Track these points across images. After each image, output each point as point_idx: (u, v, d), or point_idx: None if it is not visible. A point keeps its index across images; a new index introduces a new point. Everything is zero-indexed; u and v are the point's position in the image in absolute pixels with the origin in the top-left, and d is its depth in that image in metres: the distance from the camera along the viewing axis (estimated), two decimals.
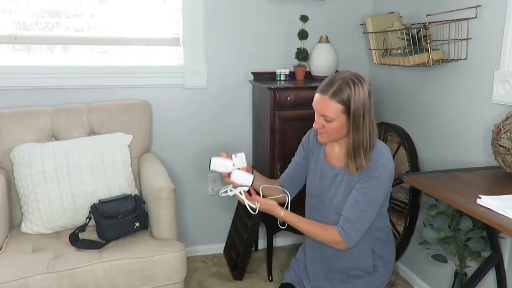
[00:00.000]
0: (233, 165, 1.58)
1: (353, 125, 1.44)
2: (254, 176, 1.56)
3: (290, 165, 1.77)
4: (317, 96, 1.47)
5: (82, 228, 1.93)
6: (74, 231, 1.90)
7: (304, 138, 1.74)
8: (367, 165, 1.46)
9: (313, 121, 1.51)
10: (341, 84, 1.42)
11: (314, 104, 1.49)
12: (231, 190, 1.58)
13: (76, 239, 1.86)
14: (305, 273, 1.70)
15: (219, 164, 1.59)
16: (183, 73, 2.46)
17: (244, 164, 1.60)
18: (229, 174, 1.58)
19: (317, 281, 1.65)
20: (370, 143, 1.47)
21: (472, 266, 1.89)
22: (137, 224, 1.93)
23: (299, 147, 1.75)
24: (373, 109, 1.51)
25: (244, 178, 1.57)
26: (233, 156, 1.59)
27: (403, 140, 2.36)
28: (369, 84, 1.51)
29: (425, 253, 2.24)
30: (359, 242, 1.52)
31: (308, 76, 2.54)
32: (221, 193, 1.60)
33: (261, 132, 2.44)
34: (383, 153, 1.48)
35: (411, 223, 2.32)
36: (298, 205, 1.70)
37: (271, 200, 1.56)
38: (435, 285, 2.27)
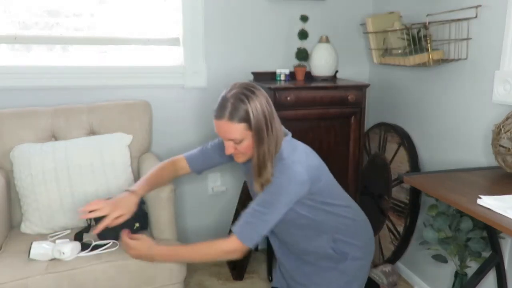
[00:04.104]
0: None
1: (256, 139, 1.37)
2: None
3: (207, 151, 1.67)
4: (216, 122, 1.39)
5: (87, 229, 1.94)
6: (80, 230, 1.91)
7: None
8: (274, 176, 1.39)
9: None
10: (234, 102, 1.34)
11: (216, 131, 1.41)
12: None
13: (81, 239, 1.87)
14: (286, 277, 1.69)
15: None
16: (183, 73, 2.46)
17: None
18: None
19: (296, 284, 1.64)
20: (276, 149, 1.40)
21: (472, 266, 1.89)
22: (137, 224, 1.93)
23: (217, 142, 1.65)
24: (275, 114, 1.42)
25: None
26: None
27: (403, 140, 2.36)
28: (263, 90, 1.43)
29: (425, 253, 2.24)
30: (314, 236, 1.50)
31: (308, 76, 2.53)
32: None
33: None
34: (283, 158, 1.40)
35: (411, 223, 2.32)
36: None
37: (132, 242, 1.38)
38: (435, 285, 2.27)
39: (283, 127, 1.49)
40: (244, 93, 1.36)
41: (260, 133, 1.36)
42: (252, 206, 1.40)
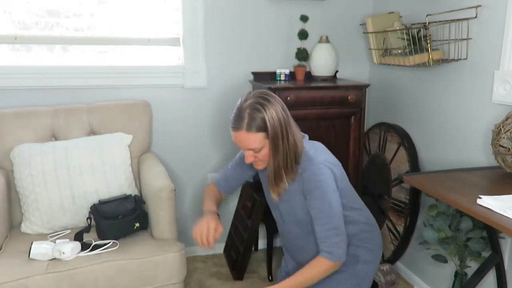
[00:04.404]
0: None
1: (272, 148, 1.38)
2: None
3: (228, 172, 1.69)
4: (234, 134, 1.39)
5: (87, 229, 1.94)
6: (80, 230, 1.91)
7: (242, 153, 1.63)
8: (304, 177, 1.41)
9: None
10: (250, 112, 1.34)
11: (235, 141, 1.41)
12: None
13: (81, 239, 1.87)
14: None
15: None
16: (183, 73, 2.46)
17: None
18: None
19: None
20: (295, 155, 1.41)
21: (472, 266, 1.89)
22: (137, 224, 1.93)
23: (234, 163, 1.67)
24: (292, 120, 1.44)
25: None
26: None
27: (403, 140, 2.36)
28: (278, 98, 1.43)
29: (425, 253, 2.24)
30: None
31: (308, 76, 2.54)
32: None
33: None
34: (312, 159, 1.42)
35: (411, 223, 2.32)
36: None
37: None
38: (435, 285, 2.27)
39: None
40: (259, 102, 1.36)
41: (276, 141, 1.37)
42: (317, 223, 1.43)
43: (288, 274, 1.68)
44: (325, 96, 2.26)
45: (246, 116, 1.35)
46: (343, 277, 1.56)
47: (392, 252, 2.43)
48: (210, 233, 1.48)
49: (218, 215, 1.58)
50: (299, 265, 1.60)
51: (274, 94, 1.42)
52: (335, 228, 1.43)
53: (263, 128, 1.35)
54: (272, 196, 1.50)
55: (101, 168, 2.04)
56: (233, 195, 2.68)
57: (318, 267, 1.44)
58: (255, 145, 1.38)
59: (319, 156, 1.44)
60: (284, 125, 1.38)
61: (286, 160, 1.41)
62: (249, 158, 1.43)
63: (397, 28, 2.17)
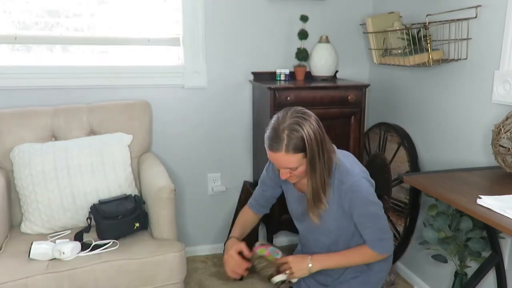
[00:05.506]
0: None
1: (310, 167, 1.39)
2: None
3: (259, 193, 1.70)
4: (271, 154, 1.39)
5: (87, 229, 1.94)
6: (80, 230, 1.91)
7: (267, 172, 1.66)
8: (343, 189, 1.44)
9: None
10: (288, 134, 1.34)
11: (271, 160, 1.42)
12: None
13: (81, 239, 1.87)
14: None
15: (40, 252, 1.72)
16: (183, 73, 2.46)
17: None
18: None
19: (314, 286, 1.64)
20: (329, 172, 1.44)
21: (472, 266, 1.89)
22: (137, 224, 1.93)
23: (265, 177, 1.67)
24: (325, 135, 1.44)
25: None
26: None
27: (403, 140, 2.36)
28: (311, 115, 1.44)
29: (425, 253, 2.24)
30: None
31: (308, 76, 2.54)
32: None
33: (261, 132, 2.44)
34: (349, 172, 1.45)
35: (411, 223, 2.32)
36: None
37: (293, 258, 1.51)
38: (435, 285, 2.27)
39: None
40: (297, 122, 1.36)
41: (313, 160, 1.38)
42: (362, 227, 1.49)
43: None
44: (325, 96, 2.26)
45: (284, 137, 1.34)
46: (357, 282, 1.58)
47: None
48: (236, 264, 1.53)
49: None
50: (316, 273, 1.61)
51: (309, 111, 1.42)
52: (381, 229, 1.49)
53: (301, 148, 1.36)
54: (312, 219, 1.50)
55: (101, 168, 2.04)
56: (233, 195, 2.69)
57: (365, 254, 1.51)
58: (293, 165, 1.39)
59: (355, 168, 1.48)
60: (321, 143, 1.39)
61: (323, 178, 1.42)
62: (285, 175, 1.44)
63: (397, 28, 2.17)
